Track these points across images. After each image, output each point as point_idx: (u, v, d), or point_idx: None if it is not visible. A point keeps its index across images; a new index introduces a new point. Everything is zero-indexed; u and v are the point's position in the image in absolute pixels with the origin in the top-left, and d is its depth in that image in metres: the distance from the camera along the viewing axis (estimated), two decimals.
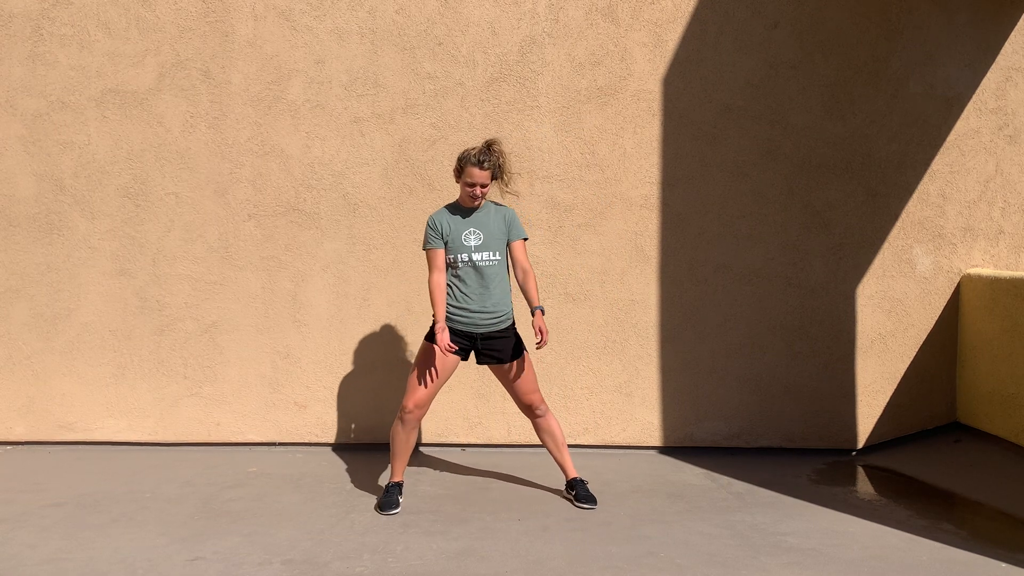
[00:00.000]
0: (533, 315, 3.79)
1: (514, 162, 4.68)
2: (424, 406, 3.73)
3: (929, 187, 4.76)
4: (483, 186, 3.73)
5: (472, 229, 3.78)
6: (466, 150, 3.76)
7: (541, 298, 4.71)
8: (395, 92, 4.68)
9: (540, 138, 4.69)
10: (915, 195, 4.76)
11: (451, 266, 3.81)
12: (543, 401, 3.94)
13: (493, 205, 3.87)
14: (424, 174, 4.70)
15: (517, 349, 3.87)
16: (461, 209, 3.83)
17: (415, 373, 3.75)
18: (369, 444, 4.74)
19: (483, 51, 4.66)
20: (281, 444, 4.81)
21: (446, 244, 3.77)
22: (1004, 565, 3.16)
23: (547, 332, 3.78)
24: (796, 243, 4.73)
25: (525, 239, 3.88)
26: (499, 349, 3.82)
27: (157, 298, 4.74)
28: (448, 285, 3.81)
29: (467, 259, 3.76)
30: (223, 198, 4.71)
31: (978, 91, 4.75)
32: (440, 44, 4.66)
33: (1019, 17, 4.75)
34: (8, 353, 4.77)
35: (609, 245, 4.71)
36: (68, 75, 4.68)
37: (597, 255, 4.72)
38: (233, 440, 4.79)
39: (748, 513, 3.75)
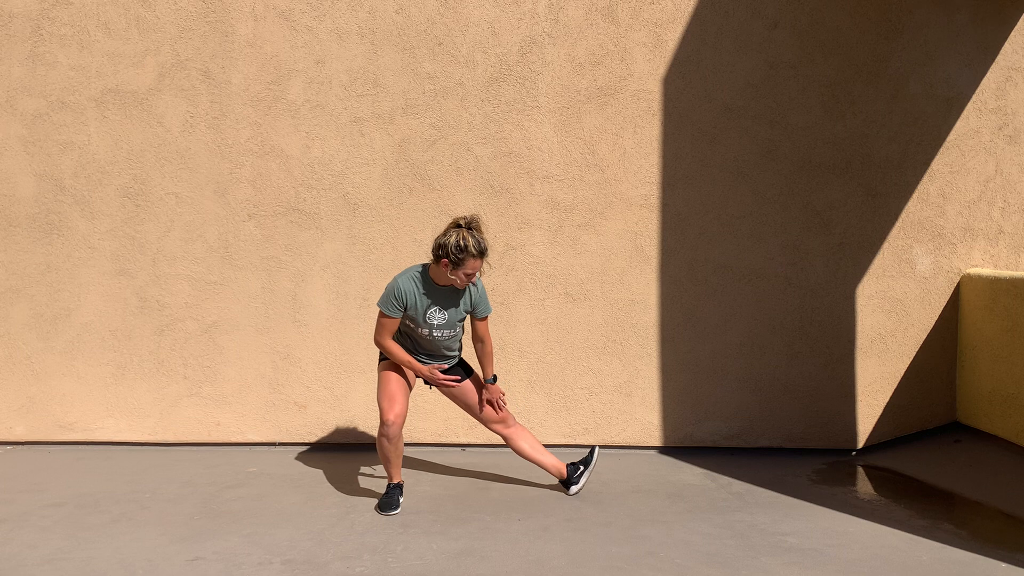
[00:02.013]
0: (486, 387, 3.90)
1: (514, 162, 4.68)
2: (403, 416, 3.73)
3: (929, 187, 4.76)
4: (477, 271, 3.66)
5: (438, 308, 3.72)
6: (459, 240, 3.53)
7: (542, 297, 4.71)
8: (395, 92, 4.68)
9: (540, 138, 4.69)
10: (915, 195, 4.76)
11: (407, 327, 3.80)
12: (508, 412, 4.02)
13: None
14: (424, 174, 4.70)
15: (467, 368, 3.97)
16: (430, 283, 3.71)
17: (384, 390, 3.76)
18: (369, 444, 4.73)
19: (483, 51, 4.66)
20: (281, 444, 4.81)
21: (406, 312, 3.72)
22: (1004, 565, 3.16)
23: (503, 395, 3.92)
24: (796, 243, 4.73)
25: (488, 315, 3.85)
26: (454, 374, 3.91)
27: (157, 298, 4.74)
28: (401, 336, 3.85)
29: (427, 333, 3.76)
30: (223, 198, 4.71)
31: (978, 91, 4.75)
32: (440, 44, 4.66)
33: (1019, 17, 4.75)
34: (8, 353, 4.77)
35: (609, 245, 4.72)
36: (68, 75, 4.68)
37: (597, 255, 4.72)
38: (233, 440, 4.79)
39: (748, 513, 3.75)
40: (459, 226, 3.59)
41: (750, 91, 4.68)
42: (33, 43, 4.67)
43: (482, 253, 3.58)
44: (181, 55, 4.67)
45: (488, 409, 3.93)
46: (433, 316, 3.72)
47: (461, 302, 3.75)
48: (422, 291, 3.69)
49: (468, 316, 3.84)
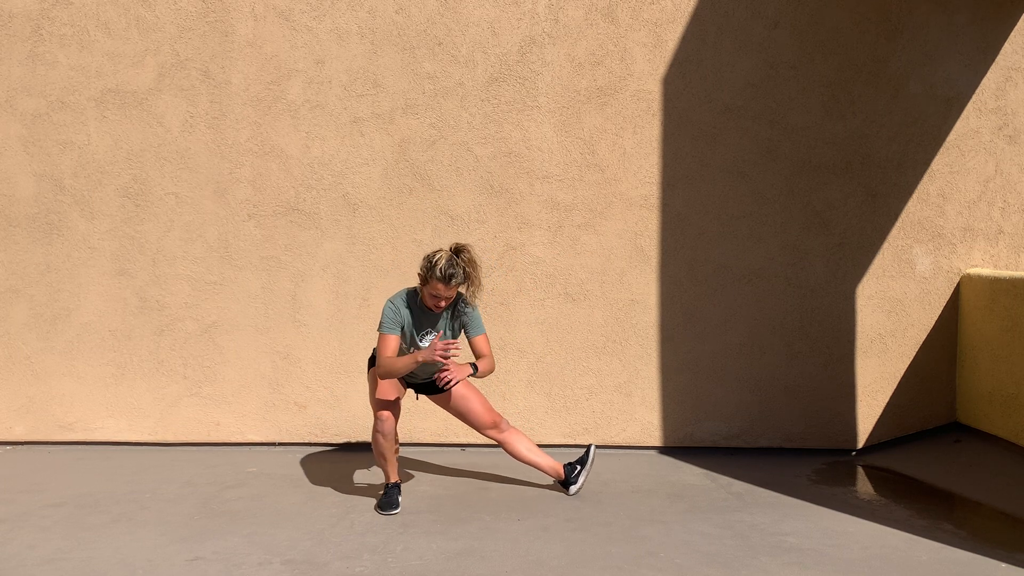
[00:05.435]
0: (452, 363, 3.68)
1: (514, 162, 4.68)
2: (397, 413, 3.73)
3: (929, 187, 4.76)
4: (447, 299, 3.62)
5: (429, 330, 3.74)
6: (434, 257, 3.56)
7: (542, 297, 4.72)
8: (395, 92, 4.68)
9: (540, 138, 4.69)
10: (915, 195, 4.76)
11: (401, 350, 3.76)
12: (501, 416, 4.00)
13: (454, 303, 3.77)
14: (424, 174, 4.70)
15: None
16: (421, 305, 3.72)
17: (378, 388, 3.74)
18: (369, 444, 4.73)
19: (483, 51, 4.66)
20: (281, 444, 4.81)
21: (402, 331, 3.71)
22: (1004, 565, 3.16)
23: (456, 375, 3.64)
24: (796, 243, 4.73)
25: (483, 334, 3.79)
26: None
27: (157, 298, 4.74)
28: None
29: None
30: (223, 198, 4.71)
31: (978, 91, 4.75)
32: (440, 44, 4.66)
33: (1019, 17, 4.75)
34: (8, 353, 4.77)
35: (609, 245, 4.71)
36: (68, 75, 4.68)
37: (597, 255, 4.72)
38: (233, 440, 4.79)
39: (748, 513, 3.75)
40: (451, 250, 3.63)
41: (750, 91, 4.68)
42: (33, 43, 4.67)
43: (446, 279, 3.53)
44: (181, 55, 4.67)
45: (483, 412, 3.91)
46: (425, 338, 3.74)
47: (451, 325, 3.78)
48: (414, 312, 3.72)
49: (466, 340, 3.83)
